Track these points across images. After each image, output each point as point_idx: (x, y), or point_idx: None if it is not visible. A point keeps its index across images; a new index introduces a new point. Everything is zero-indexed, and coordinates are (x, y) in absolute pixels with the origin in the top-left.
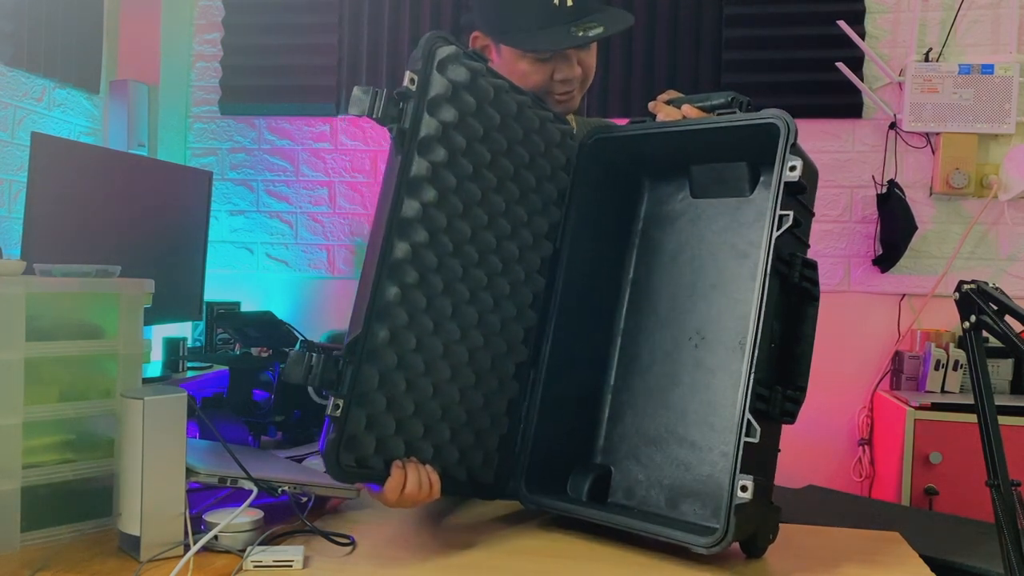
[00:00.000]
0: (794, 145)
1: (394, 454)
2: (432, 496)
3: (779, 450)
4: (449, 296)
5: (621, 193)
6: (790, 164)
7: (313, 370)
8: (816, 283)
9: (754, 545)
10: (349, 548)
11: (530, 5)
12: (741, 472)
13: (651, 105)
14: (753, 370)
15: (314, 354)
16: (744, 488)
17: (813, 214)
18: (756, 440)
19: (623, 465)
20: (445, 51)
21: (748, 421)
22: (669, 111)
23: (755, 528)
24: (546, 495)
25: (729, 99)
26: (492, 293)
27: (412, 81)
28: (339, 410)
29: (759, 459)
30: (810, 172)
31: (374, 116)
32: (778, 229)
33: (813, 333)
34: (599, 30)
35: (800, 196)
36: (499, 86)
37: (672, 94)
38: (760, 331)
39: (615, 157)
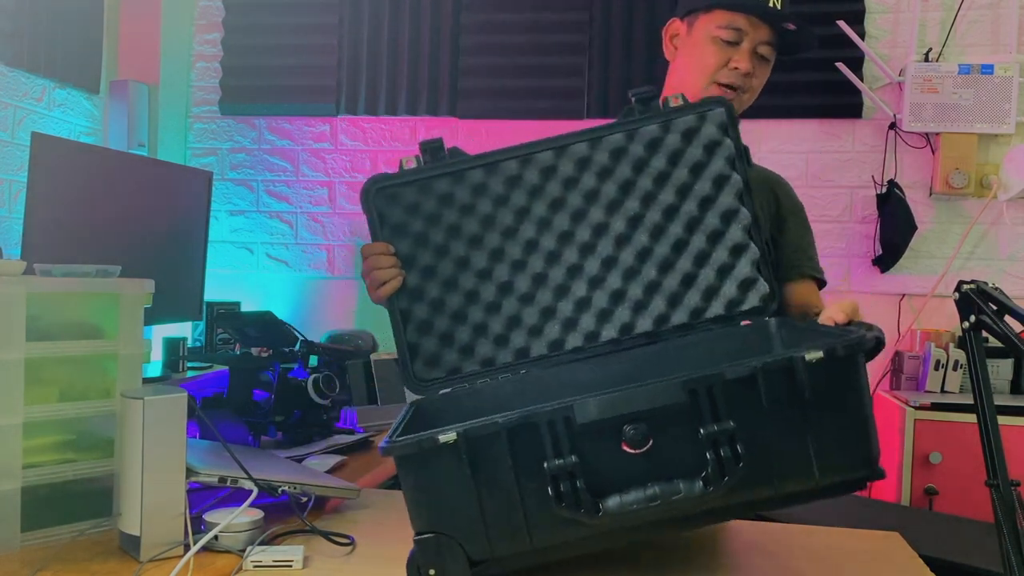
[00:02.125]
0: (866, 352)
1: (403, 254)
2: (380, 292)
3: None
4: (545, 230)
5: None
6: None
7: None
8: (738, 459)
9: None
10: (349, 548)
11: None
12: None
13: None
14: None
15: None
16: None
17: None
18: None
19: None
20: (715, 112)
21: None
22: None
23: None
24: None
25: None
26: (587, 277)
27: (676, 99)
28: (413, 163)
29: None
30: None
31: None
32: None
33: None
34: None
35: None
36: (734, 178)
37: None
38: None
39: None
